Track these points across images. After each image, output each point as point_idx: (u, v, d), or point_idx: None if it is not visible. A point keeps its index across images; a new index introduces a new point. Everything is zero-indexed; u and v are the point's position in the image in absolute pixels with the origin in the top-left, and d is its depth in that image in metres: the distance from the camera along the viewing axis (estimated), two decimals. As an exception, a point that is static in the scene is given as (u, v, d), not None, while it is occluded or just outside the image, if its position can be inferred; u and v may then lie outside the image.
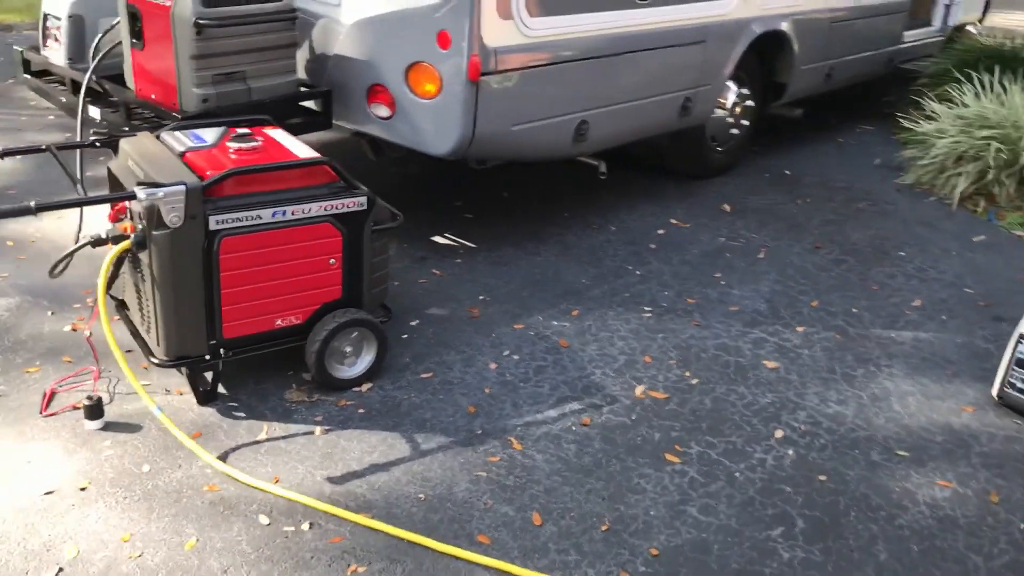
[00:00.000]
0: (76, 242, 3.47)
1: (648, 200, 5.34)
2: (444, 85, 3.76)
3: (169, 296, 2.95)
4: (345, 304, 3.29)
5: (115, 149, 3.26)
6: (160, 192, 2.80)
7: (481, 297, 4.07)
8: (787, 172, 5.98)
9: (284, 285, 3.13)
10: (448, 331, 3.77)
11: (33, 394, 3.19)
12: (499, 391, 3.38)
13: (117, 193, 2.81)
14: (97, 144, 3.23)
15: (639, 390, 3.44)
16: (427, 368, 3.50)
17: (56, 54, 4.20)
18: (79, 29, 4.12)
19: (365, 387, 3.34)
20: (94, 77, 3.98)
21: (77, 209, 3.62)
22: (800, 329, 3.96)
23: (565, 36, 4.09)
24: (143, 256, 2.97)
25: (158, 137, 3.27)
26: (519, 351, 3.65)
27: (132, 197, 2.79)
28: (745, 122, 5.66)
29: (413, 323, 3.81)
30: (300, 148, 3.27)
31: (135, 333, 3.26)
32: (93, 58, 4.11)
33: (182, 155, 3.11)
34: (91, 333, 3.30)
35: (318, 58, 4.20)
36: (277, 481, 2.84)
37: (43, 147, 3.14)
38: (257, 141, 3.22)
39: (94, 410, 3.02)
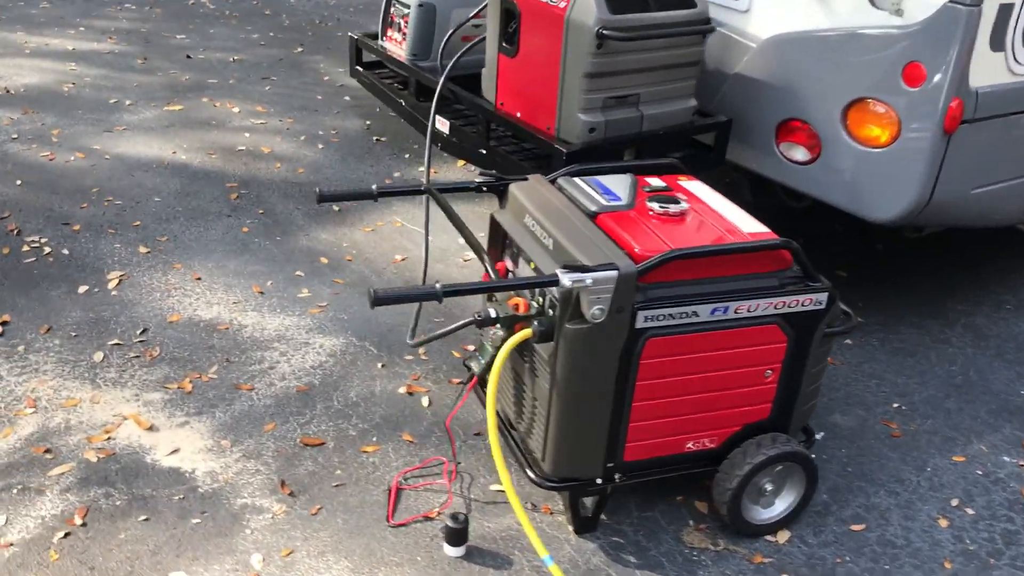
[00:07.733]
0: (423, 281, 2.91)
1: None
2: (903, 132, 2.85)
3: (571, 406, 2.24)
4: (770, 427, 2.48)
5: (500, 196, 2.59)
6: (588, 279, 2.08)
7: (895, 404, 3.16)
8: None
9: (706, 400, 2.36)
10: (865, 455, 2.90)
11: (374, 485, 2.60)
12: (964, 569, 2.48)
13: (535, 278, 2.12)
14: (483, 188, 2.57)
15: None
16: (854, 514, 2.64)
17: (397, 47, 3.61)
18: (429, 20, 3.51)
19: (782, 537, 2.53)
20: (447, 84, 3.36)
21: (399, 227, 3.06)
22: None
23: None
24: (541, 348, 2.27)
25: (555, 183, 2.57)
26: (971, 501, 2.73)
27: (555, 283, 2.09)
28: None
29: (817, 435, 2.96)
30: (735, 214, 2.47)
31: (508, 427, 2.59)
32: (443, 58, 3.50)
33: (594, 216, 2.39)
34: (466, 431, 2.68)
35: (710, 77, 3.38)
36: None
37: (422, 188, 2.51)
38: (680, 201, 2.46)
39: (458, 535, 2.37)
